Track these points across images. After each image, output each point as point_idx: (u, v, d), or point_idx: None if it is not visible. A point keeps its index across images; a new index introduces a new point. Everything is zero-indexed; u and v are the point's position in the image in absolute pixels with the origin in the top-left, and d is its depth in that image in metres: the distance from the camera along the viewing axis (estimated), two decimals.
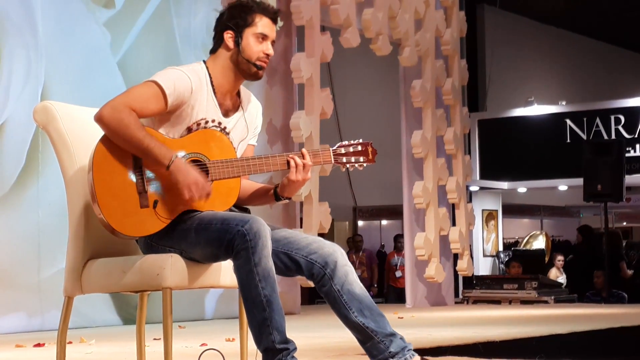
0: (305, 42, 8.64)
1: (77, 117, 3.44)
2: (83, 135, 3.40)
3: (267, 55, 3.35)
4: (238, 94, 3.44)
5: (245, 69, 3.34)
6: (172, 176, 3.16)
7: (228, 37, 3.35)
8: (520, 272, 11.81)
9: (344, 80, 14.42)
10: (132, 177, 3.18)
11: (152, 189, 3.19)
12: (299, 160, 3.32)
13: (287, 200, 3.47)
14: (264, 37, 3.35)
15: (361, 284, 3.28)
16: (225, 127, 3.35)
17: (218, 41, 3.38)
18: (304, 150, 3.36)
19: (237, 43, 3.33)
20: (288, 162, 3.32)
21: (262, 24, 3.35)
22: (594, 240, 13.31)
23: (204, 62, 3.38)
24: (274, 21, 3.39)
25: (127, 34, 7.67)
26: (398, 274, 13.42)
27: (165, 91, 3.21)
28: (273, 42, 3.39)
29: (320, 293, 3.28)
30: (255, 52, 3.33)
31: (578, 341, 5.73)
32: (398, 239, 13.85)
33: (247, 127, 3.44)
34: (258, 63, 3.34)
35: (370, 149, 3.42)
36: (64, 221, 3.61)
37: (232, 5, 3.41)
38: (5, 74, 6.83)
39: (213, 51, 3.40)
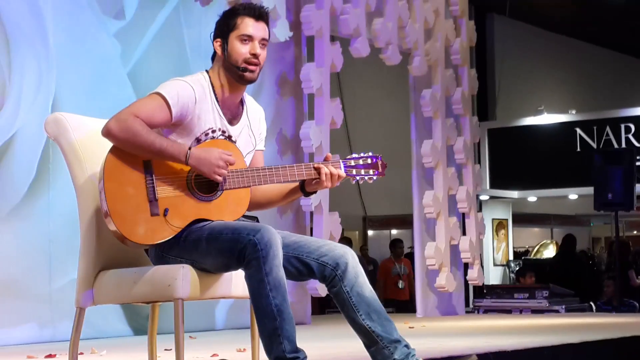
0: (315, 52, 8.64)
1: (88, 128, 3.46)
2: (94, 146, 3.41)
3: (254, 54, 3.30)
4: (241, 101, 3.43)
5: (234, 74, 3.31)
6: (195, 169, 3.18)
7: (217, 45, 3.35)
8: (534, 282, 11.80)
9: (354, 90, 14.42)
10: (143, 186, 3.19)
11: (163, 196, 3.20)
12: (334, 170, 3.32)
13: (314, 194, 3.49)
14: (248, 37, 3.30)
15: (371, 287, 3.28)
16: (231, 136, 3.35)
17: (214, 51, 3.39)
18: (320, 164, 3.34)
19: (224, 49, 3.32)
20: (318, 171, 3.32)
21: (244, 24, 3.30)
22: (573, 251, 13.47)
23: (207, 71, 3.39)
24: (259, 18, 3.31)
25: (137, 44, 7.69)
26: (401, 284, 12.31)
27: (169, 102, 3.22)
28: (264, 41, 3.33)
29: (331, 294, 3.28)
30: (241, 54, 3.29)
31: (590, 351, 5.71)
32: (397, 244, 12.70)
33: (252, 134, 3.43)
34: (243, 65, 3.29)
35: (380, 162, 3.41)
36: (75, 232, 3.62)
37: (223, 12, 3.41)
38: (16, 85, 6.85)
39: (212, 60, 3.41)
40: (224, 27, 3.33)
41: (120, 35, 7.55)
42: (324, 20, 8.61)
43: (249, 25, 3.31)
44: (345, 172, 3.37)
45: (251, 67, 3.30)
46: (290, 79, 8.90)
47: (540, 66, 17.80)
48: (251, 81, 3.34)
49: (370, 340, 3.23)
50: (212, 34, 3.38)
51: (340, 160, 3.38)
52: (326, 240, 3.36)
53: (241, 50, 3.30)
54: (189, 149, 3.19)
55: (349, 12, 8.82)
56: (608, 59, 18.99)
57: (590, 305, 11.39)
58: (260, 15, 3.33)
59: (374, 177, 3.41)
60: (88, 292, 3.36)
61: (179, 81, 3.29)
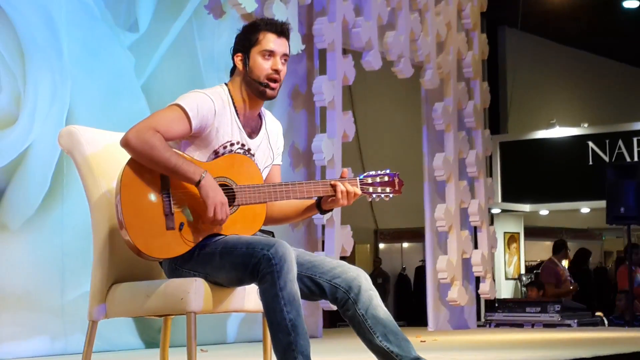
0: (327, 65, 8.66)
1: (102, 142, 3.47)
2: (107, 159, 3.42)
3: (276, 70, 3.32)
4: (259, 115, 3.44)
5: (255, 90, 3.33)
6: (202, 191, 3.16)
7: (238, 60, 3.36)
8: (540, 294, 11.77)
9: (366, 103, 14.43)
10: (159, 199, 3.19)
11: (179, 211, 3.20)
12: (350, 188, 3.32)
13: (330, 212, 3.50)
14: (270, 53, 3.32)
15: (385, 308, 3.27)
16: (250, 149, 3.35)
17: (233, 65, 3.39)
18: (336, 181, 3.34)
19: (246, 64, 3.34)
20: (334, 188, 3.32)
21: (267, 40, 3.32)
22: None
23: (226, 84, 3.40)
24: (281, 34, 3.33)
25: (150, 57, 7.71)
26: None
27: (189, 114, 3.22)
28: (285, 57, 3.34)
29: (344, 317, 3.27)
30: (263, 70, 3.31)
31: None
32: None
33: (270, 147, 3.45)
34: (265, 81, 3.30)
35: (397, 180, 3.41)
36: (88, 245, 3.62)
37: (243, 27, 3.42)
38: (30, 97, 6.87)
39: (231, 74, 3.42)
40: (246, 42, 3.35)
41: (134, 47, 7.58)
42: (336, 33, 8.62)
43: (270, 41, 3.32)
44: (362, 190, 3.37)
45: (272, 85, 3.32)
46: (302, 92, 8.92)
47: (552, 79, 17.79)
48: (271, 98, 3.36)
49: None
50: (232, 49, 3.39)
51: (357, 178, 3.38)
52: (340, 261, 3.33)
53: (263, 66, 3.31)
54: (205, 173, 3.17)
55: (361, 25, 8.84)
56: (620, 72, 18.96)
57: (603, 320, 11.34)
58: (283, 31, 3.35)
59: (390, 195, 3.41)
60: (101, 305, 3.36)
61: (199, 93, 3.30)
